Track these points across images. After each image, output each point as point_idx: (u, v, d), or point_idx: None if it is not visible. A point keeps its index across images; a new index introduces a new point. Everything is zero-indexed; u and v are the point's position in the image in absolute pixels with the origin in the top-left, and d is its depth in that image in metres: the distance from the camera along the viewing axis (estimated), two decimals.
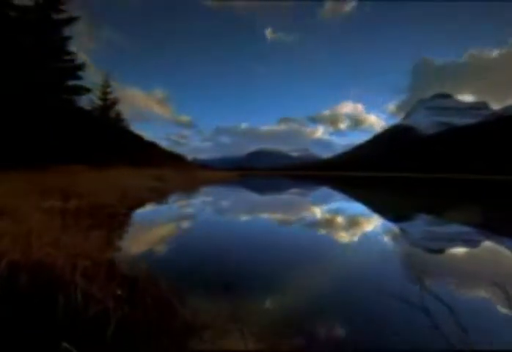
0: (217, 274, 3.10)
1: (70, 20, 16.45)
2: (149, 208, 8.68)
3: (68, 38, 16.66)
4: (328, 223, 6.74)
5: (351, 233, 5.63)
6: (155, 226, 5.87)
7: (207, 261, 3.59)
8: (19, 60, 12.92)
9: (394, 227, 6.52)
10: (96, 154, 20.83)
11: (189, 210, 8.31)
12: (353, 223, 6.79)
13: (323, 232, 5.69)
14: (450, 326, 1.90)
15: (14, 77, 12.47)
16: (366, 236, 5.43)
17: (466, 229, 6.41)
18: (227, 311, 2.27)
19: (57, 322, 1.83)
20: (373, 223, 6.91)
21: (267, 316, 2.27)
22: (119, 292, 2.10)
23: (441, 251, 4.56)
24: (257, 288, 2.81)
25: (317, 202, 11.58)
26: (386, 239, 5.18)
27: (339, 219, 7.34)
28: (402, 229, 6.17)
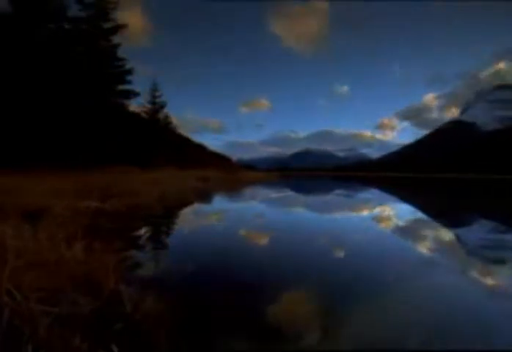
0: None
1: (118, 28, 17.38)
2: (187, 210, 8.42)
3: (117, 45, 17.60)
4: (375, 228, 5.87)
5: (398, 239, 4.92)
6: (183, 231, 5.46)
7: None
8: (73, 68, 13.83)
9: (449, 233, 5.69)
10: (144, 155, 21.74)
11: (219, 218, 7.84)
12: (401, 228, 5.96)
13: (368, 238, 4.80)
14: None
15: (68, 83, 13.34)
16: (416, 243, 4.70)
17: None
18: None
19: None
20: (425, 228, 6.03)
21: None
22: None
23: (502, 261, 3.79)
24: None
25: (364, 205, 10.44)
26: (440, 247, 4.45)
27: (388, 223, 6.43)
28: (457, 236, 5.36)
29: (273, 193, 15.59)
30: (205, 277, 2.93)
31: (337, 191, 18.27)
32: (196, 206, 9.16)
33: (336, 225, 6.27)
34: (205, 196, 12.09)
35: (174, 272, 2.99)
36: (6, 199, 4.56)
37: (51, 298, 1.55)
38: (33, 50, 12.39)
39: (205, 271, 3.11)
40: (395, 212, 8.64)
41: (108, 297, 1.79)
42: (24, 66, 12.03)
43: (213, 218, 6.79)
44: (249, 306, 2.27)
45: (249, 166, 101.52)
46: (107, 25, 16.83)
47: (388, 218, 7.23)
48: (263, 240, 4.68)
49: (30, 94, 11.95)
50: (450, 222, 7.29)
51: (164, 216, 6.71)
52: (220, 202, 10.50)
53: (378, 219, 7.09)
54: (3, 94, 11.41)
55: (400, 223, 6.59)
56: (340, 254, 3.96)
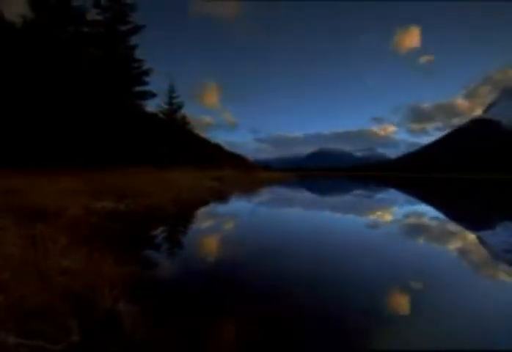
0: None
1: (136, 30, 17.55)
2: (204, 210, 8.31)
3: (134, 46, 17.77)
4: (394, 230, 5.54)
5: (419, 243, 4.65)
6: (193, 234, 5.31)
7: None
8: (91, 70, 14.08)
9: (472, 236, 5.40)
10: (162, 155, 21.94)
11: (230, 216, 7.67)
12: (421, 231, 5.63)
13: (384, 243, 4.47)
14: None
15: (86, 85, 13.59)
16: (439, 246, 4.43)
17: None
18: None
19: None
20: (446, 231, 5.67)
21: None
22: None
23: None
24: None
25: (383, 206, 10.01)
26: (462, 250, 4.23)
27: (408, 226, 6.12)
28: (480, 239, 5.09)
29: (292, 193, 15.32)
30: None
31: (357, 192, 17.77)
32: (212, 206, 9.05)
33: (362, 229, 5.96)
34: (221, 197, 11.98)
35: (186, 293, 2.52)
36: (18, 199, 4.57)
37: (31, 323, 1.33)
38: (53, 53, 12.69)
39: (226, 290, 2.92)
40: (416, 215, 8.20)
41: (102, 320, 1.53)
42: (43, 69, 12.34)
43: (226, 221, 6.63)
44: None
45: (266, 165, 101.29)
46: (125, 27, 17.03)
47: (409, 221, 6.86)
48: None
49: (48, 96, 12.26)
50: (475, 225, 6.83)
51: (178, 217, 6.61)
52: (236, 204, 10.35)
53: (397, 223, 6.72)
54: (24, 95, 11.74)
55: (423, 225, 6.22)
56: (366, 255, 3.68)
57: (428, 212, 8.67)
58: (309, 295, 2.49)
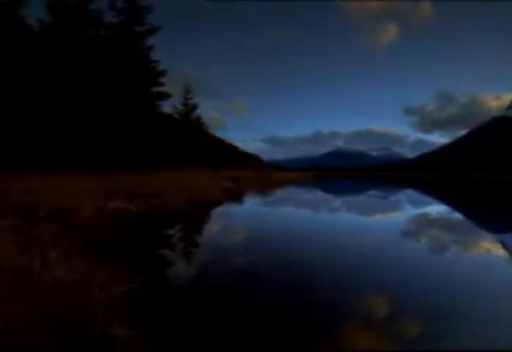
0: None
1: (152, 31, 17.70)
2: (217, 211, 8.17)
3: (150, 48, 17.94)
4: (411, 233, 5.22)
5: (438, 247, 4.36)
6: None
7: None
8: (107, 71, 14.28)
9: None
10: (176, 156, 22.05)
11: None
12: (440, 234, 5.37)
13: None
14: None
15: (103, 86, 13.79)
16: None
17: None
18: None
19: None
20: (466, 235, 5.40)
21: None
22: None
23: None
24: None
25: (398, 207, 9.58)
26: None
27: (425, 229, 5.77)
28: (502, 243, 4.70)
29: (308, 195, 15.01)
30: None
31: (373, 192, 17.23)
32: (226, 208, 8.90)
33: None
34: (236, 198, 11.83)
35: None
36: (32, 199, 4.54)
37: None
38: (68, 56, 12.94)
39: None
40: (437, 216, 7.77)
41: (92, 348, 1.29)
42: (59, 71, 12.58)
43: (239, 225, 6.44)
44: None
45: (280, 165, 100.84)
46: (141, 28, 17.19)
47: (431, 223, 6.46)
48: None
49: (61, 98, 12.51)
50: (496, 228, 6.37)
51: (189, 219, 6.47)
52: (251, 206, 10.17)
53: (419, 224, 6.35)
54: (39, 97, 12.01)
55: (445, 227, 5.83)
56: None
57: (443, 213, 8.20)
58: None
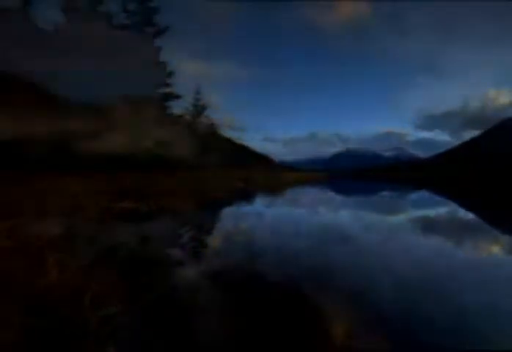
0: None
1: (161, 32, 17.68)
2: (227, 212, 7.91)
3: (159, 49, 17.90)
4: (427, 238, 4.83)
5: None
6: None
7: None
8: (118, 72, 14.32)
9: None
10: (187, 157, 21.98)
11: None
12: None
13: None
14: None
15: (114, 87, 13.84)
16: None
17: None
18: None
19: None
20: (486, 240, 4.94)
21: None
22: None
23: None
24: None
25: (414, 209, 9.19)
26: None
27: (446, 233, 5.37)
28: None
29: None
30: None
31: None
32: (236, 208, 8.64)
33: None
34: (246, 198, 11.58)
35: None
36: (41, 199, 4.44)
37: None
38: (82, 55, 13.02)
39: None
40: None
41: None
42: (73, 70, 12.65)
43: (250, 228, 6.19)
44: None
45: (291, 166, 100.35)
46: (151, 29, 17.23)
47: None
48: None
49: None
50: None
51: (197, 219, 6.23)
52: (262, 207, 9.90)
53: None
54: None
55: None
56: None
57: (459, 214, 7.75)
58: None
